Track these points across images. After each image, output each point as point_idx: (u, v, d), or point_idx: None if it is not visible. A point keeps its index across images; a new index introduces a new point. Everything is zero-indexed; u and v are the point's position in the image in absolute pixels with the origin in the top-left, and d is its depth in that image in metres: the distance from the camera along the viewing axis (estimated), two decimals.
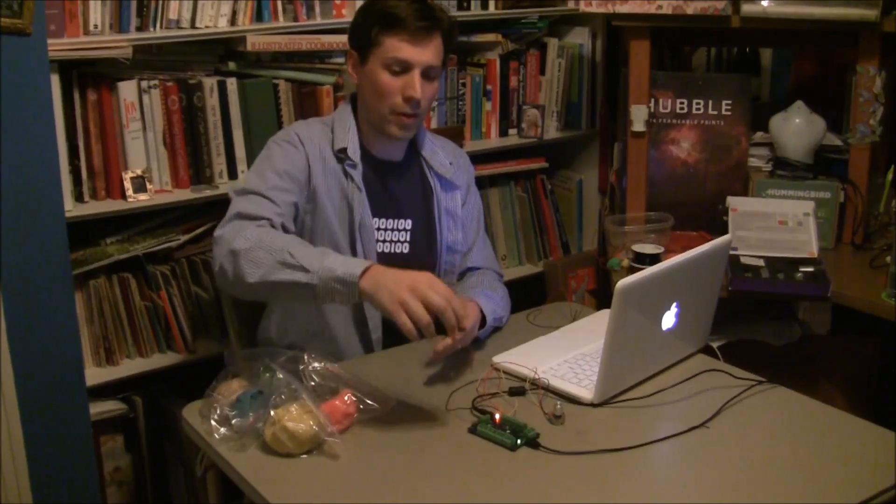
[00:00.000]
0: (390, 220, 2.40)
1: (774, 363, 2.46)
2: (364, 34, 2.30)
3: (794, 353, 2.84)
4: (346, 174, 2.34)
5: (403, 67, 2.26)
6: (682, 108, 3.10)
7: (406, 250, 2.42)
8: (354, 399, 1.91)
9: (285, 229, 2.19)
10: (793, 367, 2.59)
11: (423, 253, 2.45)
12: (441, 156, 2.49)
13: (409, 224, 2.42)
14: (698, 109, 3.09)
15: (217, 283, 2.48)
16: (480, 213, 2.58)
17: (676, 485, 1.77)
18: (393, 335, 2.35)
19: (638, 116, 3.03)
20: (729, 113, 3.07)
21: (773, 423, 1.96)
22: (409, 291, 1.83)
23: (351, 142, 2.35)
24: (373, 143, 2.40)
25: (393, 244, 2.41)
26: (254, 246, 2.01)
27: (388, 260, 2.36)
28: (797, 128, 2.98)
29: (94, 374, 2.62)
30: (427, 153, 2.47)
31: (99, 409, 2.64)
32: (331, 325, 2.34)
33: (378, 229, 2.38)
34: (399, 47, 2.25)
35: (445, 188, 2.47)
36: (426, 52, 2.27)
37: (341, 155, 2.34)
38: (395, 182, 2.43)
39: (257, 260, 2.00)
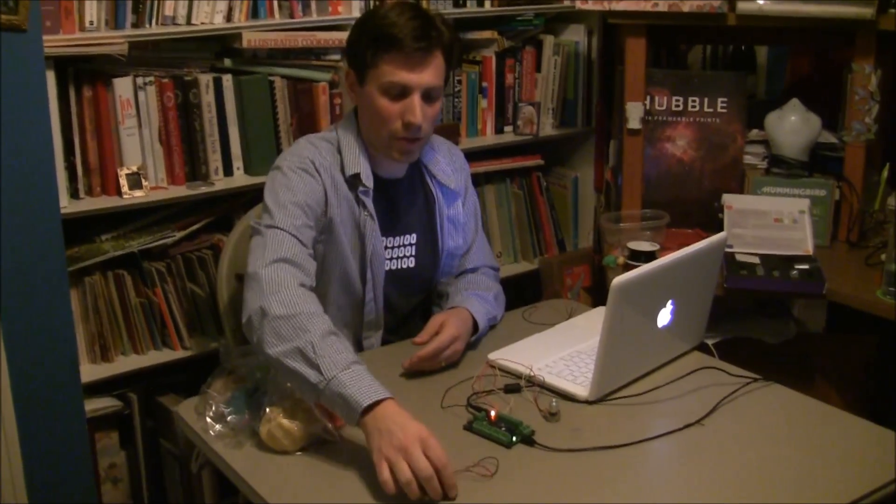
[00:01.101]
0: (397, 238, 2.34)
1: (770, 361, 2.47)
2: (360, 55, 2.20)
3: (790, 351, 2.84)
4: (359, 201, 2.26)
5: (402, 92, 2.15)
6: (677, 106, 3.10)
7: (412, 265, 2.37)
8: None
9: (309, 272, 2.09)
10: (788, 365, 2.59)
11: (427, 266, 2.41)
12: (442, 163, 2.41)
13: (413, 238, 2.37)
14: (694, 107, 3.09)
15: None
16: (478, 211, 2.54)
17: (672, 482, 1.78)
18: (391, 335, 2.36)
19: (634, 114, 3.03)
20: (725, 110, 3.07)
21: (768, 420, 1.97)
22: (399, 450, 1.68)
23: (363, 167, 2.25)
24: (377, 164, 2.30)
25: (399, 260, 2.35)
26: (286, 316, 1.90)
27: (394, 277, 2.35)
28: (793, 125, 2.99)
29: (90, 371, 2.61)
30: (428, 161, 2.39)
31: (94, 405, 2.63)
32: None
33: (387, 248, 2.32)
34: (396, 71, 2.14)
35: (448, 197, 2.41)
36: (425, 74, 2.16)
37: (353, 181, 2.25)
38: (400, 199, 2.35)
39: (282, 335, 1.88)
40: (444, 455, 1.68)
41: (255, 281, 1.99)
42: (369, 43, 2.17)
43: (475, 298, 2.30)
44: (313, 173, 2.20)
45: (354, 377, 1.80)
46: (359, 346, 2.33)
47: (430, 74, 2.16)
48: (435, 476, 1.66)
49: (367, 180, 2.25)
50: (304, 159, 2.22)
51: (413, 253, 2.37)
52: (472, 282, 2.42)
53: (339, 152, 2.27)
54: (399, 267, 2.36)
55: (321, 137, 2.32)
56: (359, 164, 2.24)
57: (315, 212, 2.17)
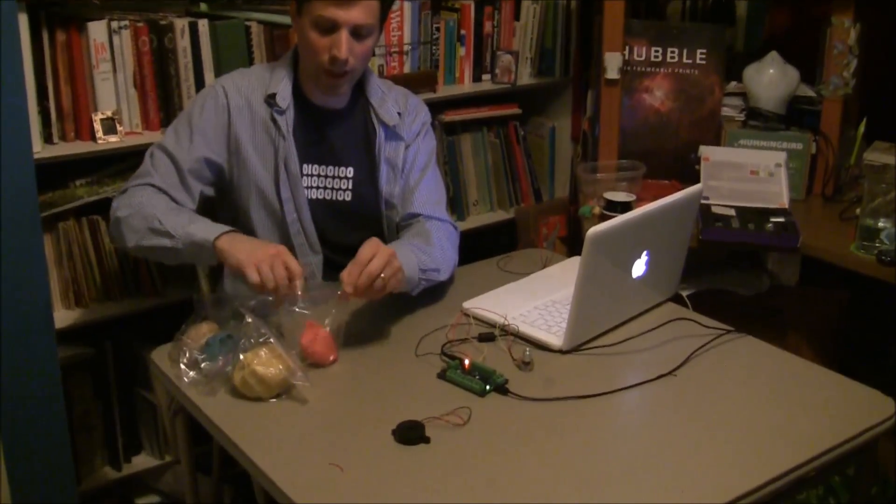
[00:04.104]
0: (329, 168, 2.38)
1: (743, 313, 2.49)
2: None
3: (763, 304, 2.86)
4: (274, 120, 2.32)
5: (331, 27, 2.20)
6: (656, 57, 3.09)
7: (349, 198, 2.39)
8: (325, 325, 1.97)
9: (173, 197, 2.27)
10: (761, 318, 2.62)
11: (367, 203, 2.42)
12: (389, 104, 2.43)
13: (350, 172, 2.39)
14: (672, 58, 3.08)
15: None
16: (430, 156, 2.51)
17: (644, 432, 1.79)
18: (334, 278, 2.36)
19: (612, 64, 3.02)
20: (703, 62, 3.07)
21: (740, 371, 1.98)
22: (265, 256, 1.97)
23: (282, 88, 2.33)
24: (313, 91, 2.36)
25: (334, 192, 2.38)
26: (132, 214, 2.18)
27: (327, 207, 2.37)
28: (771, 78, 2.99)
29: (64, 317, 2.60)
30: (375, 100, 2.42)
31: (67, 352, 2.63)
32: None
33: (315, 176, 2.37)
34: (326, 6, 2.18)
35: (389, 137, 2.42)
36: (354, 12, 2.19)
37: (271, 101, 2.32)
38: (335, 129, 2.39)
39: (133, 227, 2.17)
40: (298, 266, 1.98)
41: (112, 208, 2.26)
42: None
43: (408, 247, 2.21)
44: (218, 97, 2.34)
45: (199, 226, 2.11)
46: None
47: (359, 12, 2.20)
48: (300, 275, 1.97)
49: (282, 101, 2.33)
50: (217, 86, 2.37)
51: (350, 187, 2.40)
52: (414, 233, 2.35)
53: (271, 77, 2.37)
54: (333, 198, 2.39)
55: (262, 65, 2.52)
56: (279, 87, 2.33)
57: (205, 133, 2.31)
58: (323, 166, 2.37)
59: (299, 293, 1.97)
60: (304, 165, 2.35)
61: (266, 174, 2.33)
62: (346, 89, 2.36)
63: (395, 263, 2.02)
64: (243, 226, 2.34)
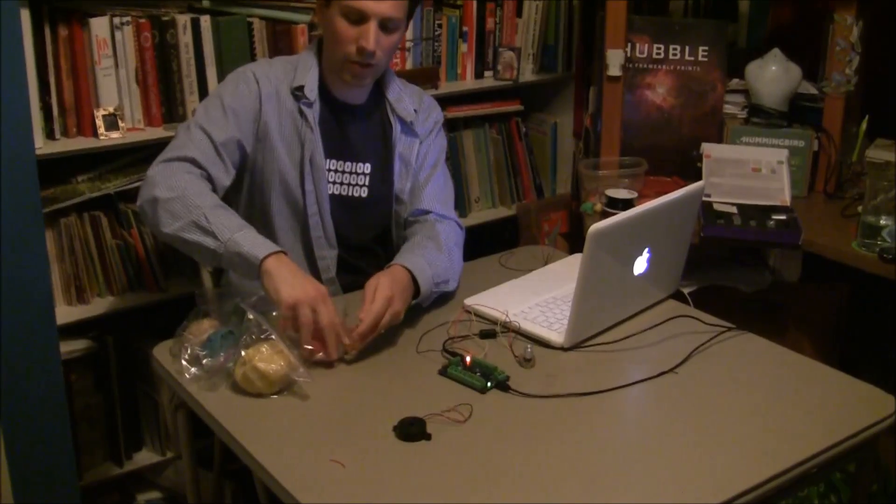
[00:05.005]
0: (348, 163, 2.38)
1: (744, 310, 2.49)
2: None
3: (764, 301, 2.86)
4: (301, 113, 2.32)
5: (360, 17, 2.21)
6: (658, 54, 3.09)
7: (364, 194, 2.40)
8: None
9: (210, 173, 2.22)
10: (762, 315, 2.62)
11: (382, 199, 2.42)
12: (406, 101, 2.44)
13: (367, 168, 2.39)
14: (675, 55, 3.08)
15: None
16: (441, 153, 2.52)
17: (645, 429, 1.79)
18: (346, 276, 2.37)
19: (614, 61, 3.02)
20: (705, 59, 3.07)
21: (741, 369, 1.98)
22: (308, 297, 1.93)
23: (310, 81, 2.33)
24: (335, 85, 2.36)
25: (351, 187, 2.39)
26: (176, 197, 2.09)
27: (346, 203, 2.37)
28: (773, 75, 2.98)
29: (66, 313, 2.60)
30: (392, 97, 2.43)
31: (69, 347, 2.63)
32: None
33: (334, 171, 2.36)
34: None
35: (405, 132, 2.43)
36: (383, 4, 2.20)
37: (298, 93, 2.32)
38: (356, 125, 2.40)
39: (175, 212, 2.08)
40: (335, 314, 1.94)
41: (148, 177, 2.16)
42: None
43: (423, 261, 2.21)
44: (249, 82, 2.31)
45: (248, 237, 2.03)
46: (313, 265, 2.36)
47: (389, 5, 2.21)
48: (332, 330, 1.93)
49: (310, 93, 2.32)
50: (247, 70, 2.35)
51: (367, 183, 2.40)
52: (424, 239, 2.33)
53: (295, 70, 2.36)
54: (350, 194, 2.39)
55: (283, 58, 2.47)
56: (306, 79, 2.32)
57: (239, 114, 2.28)
58: (342, 161, 2.37)
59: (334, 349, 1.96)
60: (326, 160, 2.35)
61: (291, 166, 2.32)
62: (369, 83, 2.36)
63: (398, 307, 2.04)
64: (260, 216, 2.34)
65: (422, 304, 2.19)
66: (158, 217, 2.09)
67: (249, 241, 2.02)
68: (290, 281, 1.96)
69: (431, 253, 2.24)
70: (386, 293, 2.01)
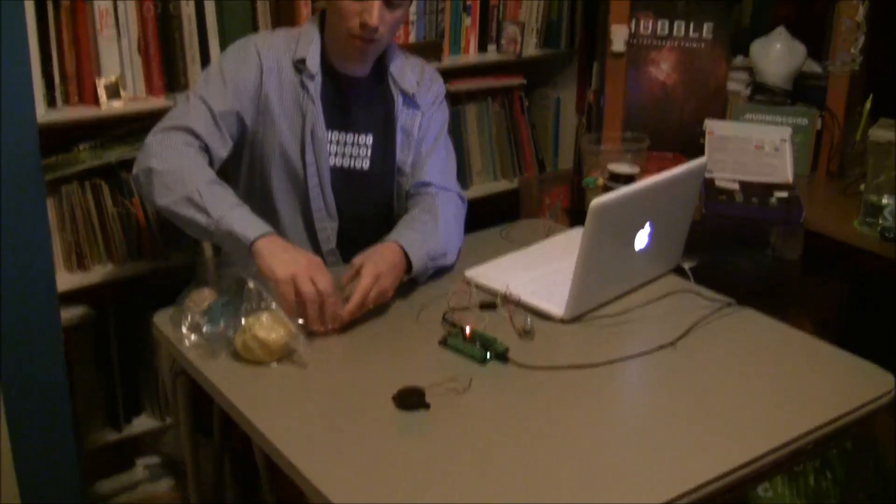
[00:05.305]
0: (350, 135, 2.37)
1: (744, 286, 2.48)
2: None
3: (765, 278, 2.86)
4: (303, 85, 2.31)
5: None
6: (662, 30, 3.08)
7: (366, 166, 2.39)
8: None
9: (208, 144, 2.22)
10: (762, 292, 2.61)
11: (384, 171, 2.41)
12: (408, 74, 2.44)
13: (369, 140, 2.39)
14: (679, 32, 3.07)
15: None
16: (443, 126, 2.51)
17: (643, 402, 1.80)
18: (346, 248, 2.36)
19: (618, 37, 3.02)
20: (710, 36, 3.06)
21: (740, 343, 1.99)
22: (303, 269, 1.94)
23: (312, 54, 2.31)
24: (337, 58, 2.34)
25: (353, 159, 2.38)
26: (170, 170, 2.10)
27: (344, 174, 2.36)
28: (778, 53, 2.98)
29: (66, 280, 2.60)
30: (395, 70, 2.42)
31: (69, 314, 2.63)
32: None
33: (336, 142, 2.36)
34: None
35: (407, 104, 2.43)
36: None
37: (300, 66, 2.31)
38: (357, 97, 2.38)
39: (169, 185, 2.08)
40: (331, 284, 1.94)
41: (146, 145, 2.18)
42: None
43: (417, 236, 2.21)
44: (251, 54, 2.31)
45: (240, 216, 2.04)
46: (314, 237, 2.37)
47: None
48: (327, 300, 1.93)
49: (312, 66, 2.31)
50: (248, 42, 2.34)
51: (369, 154, 2.39)
52: (421, 212, 2.33)
53: (298, 42, 2.35)
54: (352, 166, 2.38)
55: (284, 29, 2.47)
56: (308, 51, 2.32)
57: (238, 85, 2.27)
58: (343, 133, 2.36)
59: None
60: (327, 132, 2.35)
61: (292, 138, 2.31)
62: (372, 58, 2.35)
63: (386, 284, 2.04)
64: (261, 188, 2.34)
65: (418, 281, 2.19)
66: (153, 188, 2.10)
67: (242, 221, 2.02)
68: (281, 257, 1.97)
69: (428, 227, 2.24)
70: (372, 270, 2.01)
